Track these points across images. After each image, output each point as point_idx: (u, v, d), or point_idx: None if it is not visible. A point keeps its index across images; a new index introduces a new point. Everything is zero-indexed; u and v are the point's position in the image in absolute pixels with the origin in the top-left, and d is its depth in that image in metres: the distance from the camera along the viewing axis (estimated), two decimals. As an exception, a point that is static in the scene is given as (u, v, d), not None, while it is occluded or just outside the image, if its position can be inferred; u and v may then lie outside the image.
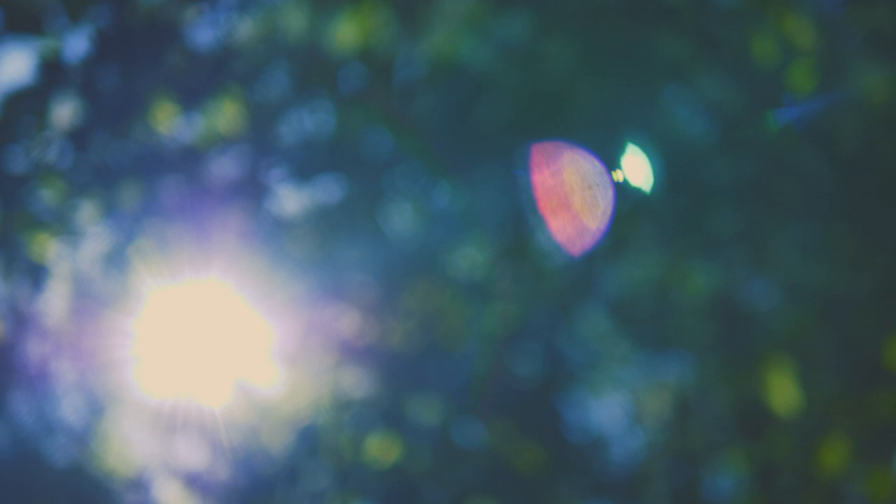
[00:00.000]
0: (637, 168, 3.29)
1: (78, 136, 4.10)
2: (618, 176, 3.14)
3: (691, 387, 5.06)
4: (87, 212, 4.35)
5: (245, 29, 4.38)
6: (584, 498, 4.92)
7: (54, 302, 4.69)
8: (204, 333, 4.81)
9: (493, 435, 4.65)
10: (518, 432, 4.67)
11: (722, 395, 5.02)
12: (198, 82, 4.08)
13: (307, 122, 4.42)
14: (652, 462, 5.07)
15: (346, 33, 4.48)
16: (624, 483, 5.03)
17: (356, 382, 4.76)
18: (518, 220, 4.52)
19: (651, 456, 5.07)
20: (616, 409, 5.16)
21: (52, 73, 3.94)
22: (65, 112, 4.09)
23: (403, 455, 4.73)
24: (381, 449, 4.74)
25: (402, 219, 4.47)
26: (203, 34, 4.16)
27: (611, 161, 3.20)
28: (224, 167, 4.27)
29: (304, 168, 4.37)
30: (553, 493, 4.71)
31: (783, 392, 4.84)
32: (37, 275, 4.53)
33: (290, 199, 4.43)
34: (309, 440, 4.77)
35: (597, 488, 4.98)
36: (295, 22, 4.56)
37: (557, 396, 4.92)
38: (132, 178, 4.21)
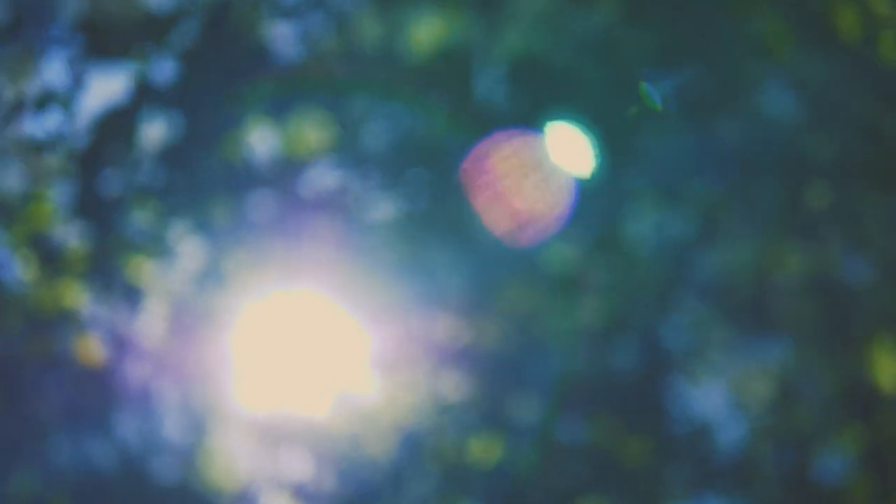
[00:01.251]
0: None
1: (169, 156, 4.14)
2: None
3: (794, 369, 4.97)
4: (180, 231, 4.40)
5: (326, 40, 4.39)
6: (693, 488, 4.86)
7: (153, 322, 4.75)
8: (302, 344, 4.84)
9: (596, 430, 4.60)
10: (621, 426, 4.63)
11: (826, 376, 4.93)
12: (284, 97, 4.10)
13: (391, 129, 4.42)
14: (758, 448, 4.99)
15: (421, 36, 4.48)
16: (731, 471, 4.96)
17: (455, 385, 4.75)
18: (608, 212, 4.48)
19: (757, 442, 4.99)
20: (719, 396, 5.09)
21: (140, 95, 3.99)
22: (155, 132, 4.13)
23: (506, 455, 4.71)
24: (483, 450, 4.72)
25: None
26: (286, 48, 4.18)
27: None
28: (314, 179, 4.29)
29: (392, 175, 4.37)
30: (661, 486, 4.66)
31: (889, 370, 4.74)
32: (134, 297, 4.59)
33: (380, 207, 4.43)
34: (411, 446, 4.77)
35: (704, 478, 4.92)
36: (371, 29, 4.56)
37: (658, 387, 4.87)
38: (224, 194, 4.24)
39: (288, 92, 4.21)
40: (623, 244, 4.50)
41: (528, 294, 4.51)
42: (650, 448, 4.62)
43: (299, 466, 4.98)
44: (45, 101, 4.46)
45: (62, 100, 4.36)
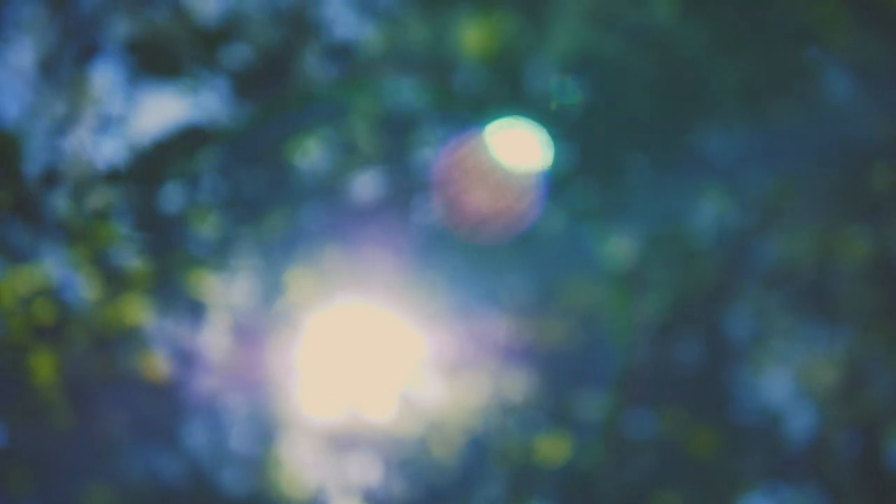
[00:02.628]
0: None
1: (226, 172, 4.17)
2: None
3: (861, 355, 4.91)
4: (241, 244, 4.43)
5: (371, 47, 4.40)
6: (764, 477, 4.82)
7: (217, 335, 4.78)
8: (365, 351, 4.85)
9: (664, 423, 4.58)
10: (689, 418, 4.60)
11: (894, 360, 4.87)
12: (335, 105, 4.11)
13: (442, 134, 4.42)
14: (828, 436, 4.94)
15: (470, 39, 4.47)
16: (802, 459, 4.91)
17: (519, 385, 4.74)
18: (666, 207, 4.45)
19: (826, 429, 4.94)
20: (785, 385, 5.04)
21: (197, 112, 4.02)
22: (212, 150, 4.16)
23: (574, 452, 4.70)
24: (550, 449, 4.71)
25: (549, 217, 4.44)
26: (336, 55, 4.19)
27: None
28: (368, 186, 4.30)
29: (444, 178, 4.37)
30: (732, 476, 4.62)
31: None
32: (197, 311, 4.62)
33: (436, 211, 4.43)
34: (478, 448, 4.76)
35: (775, 467, 4.87)
36: (418, 33, 4.56)
37: (724, 378, 4.83)
38: (282, 206, 4.26)
39: (340, 100, 4.22)
40: (683, 237, 4.47)
41: (589, 291, 4.49)
42: (719, 439, 4.59)
43: (367, 472, 4.99)
44: (103, 121, 4.50)
45: (120, 120, 4.40)
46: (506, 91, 4.42)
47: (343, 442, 4.98)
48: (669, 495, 4.54)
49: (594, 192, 4.35)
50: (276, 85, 4.27)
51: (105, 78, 4.89)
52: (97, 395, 4.59)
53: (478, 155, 4.16)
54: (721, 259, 4.63)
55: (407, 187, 4.27)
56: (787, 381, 5.09)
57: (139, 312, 4.45)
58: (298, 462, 5.11)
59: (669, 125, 4.11)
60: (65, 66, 5.18)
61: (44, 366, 4.44)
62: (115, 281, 4.38)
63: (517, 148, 4.13)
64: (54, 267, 4.54)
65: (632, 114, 4.17)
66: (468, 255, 4.49)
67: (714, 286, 4.67)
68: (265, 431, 5.05)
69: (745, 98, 4.00)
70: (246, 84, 4.24)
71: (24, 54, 5.27)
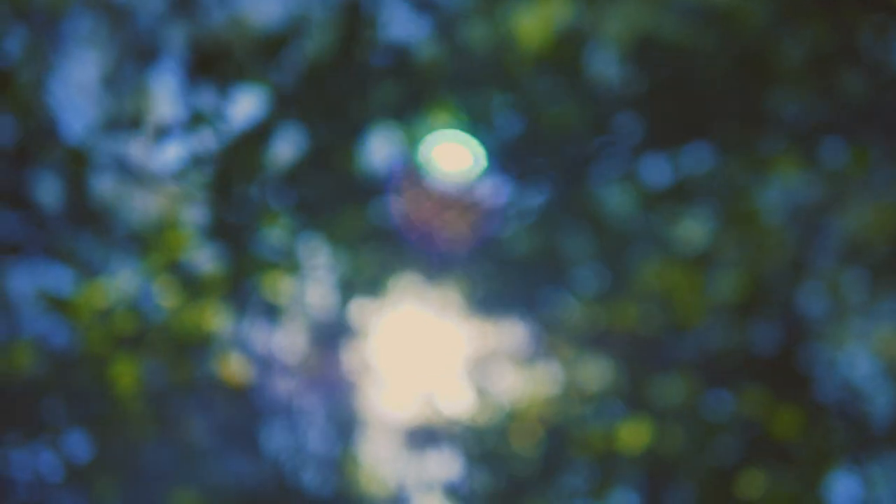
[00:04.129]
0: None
1: (296, 173, 4.18)
2: None
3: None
4: (314, 245, 4.44)
5: (439, 40, 4.39)
6: (848, 454, 4.76)
7: (293, 337, 4.81)
8: (439, 346, 4.85)
9: (745, 404, 4.54)
10: (770, 398, 4.55)
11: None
12: (405, 101, 4.11)
13: (509, 124, 4.40)
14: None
15: (529, 30, 4.45)
16: (886, 435, 4.85)
17: (597, 372, 4.72)
18: (738, 184, 4.41)
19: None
20: (866, 361, 4.98)
21: (265, 115, 4.03)
22: (282, 150, 4.17)
23: (655, 438, 4.67)
24: (631, 435, 4.68)
25: (619, 201, 4.41)
26: (401, 52, 4.19)
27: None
28: (442, 178, 4.29)
29: (519, 167, 4.36)
30: (816, 454, 4.57)
31: None
32: (273, 314, 4.65)
33: (510, 200, 4.42)
34: (558, 437, 4.75)
35: (859, 444, 4.82)
36: (477, 27, 4.55)
37: (803, 356, 4.78)
38: (354, 204, 4.27)
39: (409, 95, 4.21)
40: (756, 214, 4.42)
41: (663, 273, 4.46)
42: (802, 418, 4.54)
43: (447, 467, 5.00)
44: (169, 130, 4.54)
45: (185, 128, 4.43)
46: (567, 80, 4.40)
47: (422, 438, 4.98)
48: (755, 476, 4.50)
49: (664, 173, 4.32)
50: (337, 86, 4.28)
51: (168, 87, 4.93)
52: (178, 403, 4.63)
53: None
54: (795, 235, 4.58)
55: (484, 178, 4.26)
56: (866, 357, 5.03)
57: (216, 318, 4.48)
58: (378, 460, 5.13)
59: (738, 100, 4.07)
60: (127, 78, 5.22)
61: (125, 376, 4.48)
62: (190, 288, 4.41)
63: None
64: (129, 278, 4.58)
65: (698, 92, 4.13)
66: (543, 243, 4.48)
67: (789, 263, 4.62)
68: (344, 431, 5.07)
69: (815, 68, 3.95)
70: (307, 86, 4.25)
71: (86, 69, 5.33)
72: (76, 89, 5.20)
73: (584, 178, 4.37)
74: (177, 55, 4.94)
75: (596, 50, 4.40)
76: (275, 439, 4.99)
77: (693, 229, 4.50)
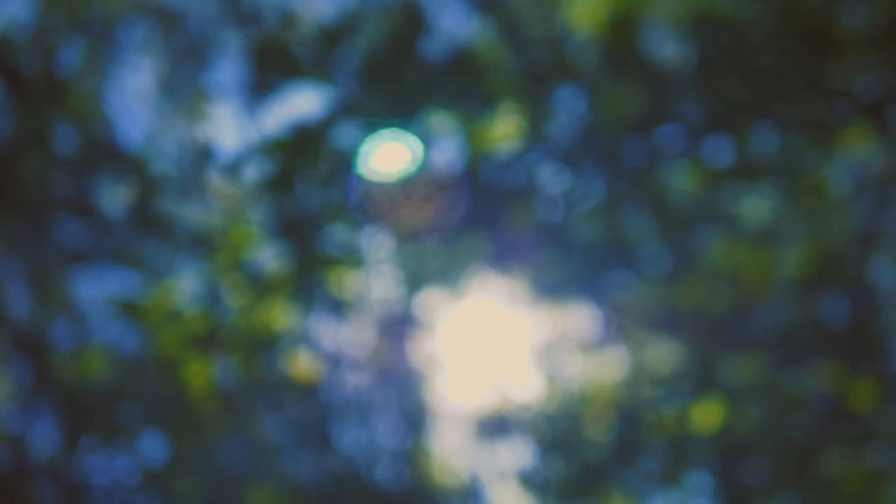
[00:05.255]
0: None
1: (357, 168, 4.19)
2: None
3: None
4: (378, 239, 4.45)
5: (483, 33, 4.38)
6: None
7: (361, 331, 4.82)
8: (507, 334, 4.85)
9: (820, 379, 4.49)
10: (845, 371, 4.50)
11: None
12: (465, 93, 4.11)
13: (567, 114, 4.38)
14: None
15: (583, 14, 4.43)
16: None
17: (667, 353, 4.69)
18: (799, 159, 4.36)
19: None
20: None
21: (325, 111, 4.05)
22: (341, 145, 4.19)
23: (728, 417, 4.63)
24: (704, 415, 4.65)
25: (682, 181, 4.38)
26: (458, 44, 4.19)
27: None
28: (504, 170, 4.29)
29: (575, 159, 4.34)
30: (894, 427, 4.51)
31: None
32: (340, 309, 4.67)
33: (572, 187, 4.40)
34: (631, 420, 4.72)
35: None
36: (530, 13, 4.53)
37: (876, 328, 4.72)
38: (417, 198, 4.27)
39: (467, 87, 4.21)
40: (822, 188, 4.37)
41: (730, 251, 4.42)
42: (878, 391, 4.48)
43: (520, 455, 4.99)
44: (229, 131, 4.56)
45: (246, 128, 4.45)
46: (625, 63, 4.37)
47: (493, 427, 4.98)
48: (834, 451, 4.45)
49: (727, 149, 4.28)
50: (394, 78, 4.28)
51: (225, 89, 4.96)
52: (250, 401, 4.66)
53: None
54: (864, 206, 4.52)
55: (545, 168, 4.25)
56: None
57: (284, 316, 4.50)
58: (450, 451, 5.13)
59: (801, 74, 4.02)
60: (184, 83, 5.27)
61: (197, 377, 4.52)
62: (258, 286, 4.44)
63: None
64: (196, 279, 4.61)
65: (759, 67, 4.09)
66: (606, 227, 4.45)
67: (858, 234, 4.56)
68: (415, 423, 5.07)
69: (878, 38, 3.89)
70: (365, 80, 4.26)
71: (143, 75, 5.37)
72: (134, 96, 5.25)
73: (647, 160, 4.34)
74: (233, 57, 4.98)
75: (652, 31, 4.37)
76: (346, 434, 5.01)
77: (759, 205, 4.46)
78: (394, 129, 4.03)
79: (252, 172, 4.37)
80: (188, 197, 4.91)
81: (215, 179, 4.68)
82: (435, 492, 5.10)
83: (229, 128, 4.80)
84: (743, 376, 4.61)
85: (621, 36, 4.34)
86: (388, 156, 4.21)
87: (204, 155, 4.81)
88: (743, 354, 4.59)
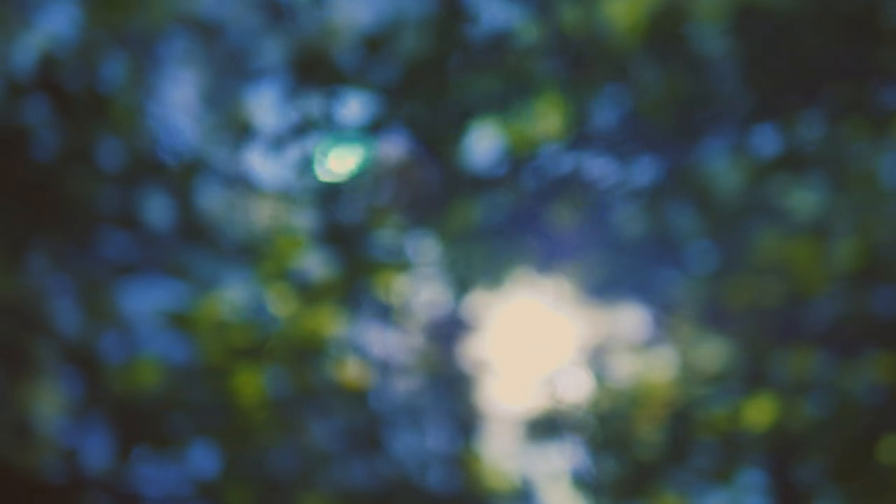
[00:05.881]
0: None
1: (402, 172, 4.19)
2: None
3: None
4: (423, 242, 4.45)
5: (523, 34, 4.37)
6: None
7: (408, 336, 4.82)
8: (555, 335, 4.83)
9: (876, 371, 4.43)
10: (899, 365, 4.44)
11: None
12: (505, 91, 4.09)
13: (611, 108, 4.36)
14: None
15: (624, 8, 4.41)
16: None
17: (718, 350, 4.66)
18: (848, 149, 4.31)
19: None
20: None
21: (367, 118, 4.05)
22: (385, 152, 4.19)
23: (781, 414, 4.58)
24: (756, 412, 4.61)
25: (729, 174, 4.35)
26: (498, 43, 4.18)
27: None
28: (547, 166, 4.27)
29: (620, 153, 4.32)
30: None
31: None
32: (388, 314, 4.66)
33: (616, 182, 4.38)
34: (682, 419, 4.69)
35: None
36: (570, 8, 4.51)
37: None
38: (460, 200, 4.27)
39: (508, 85, 4.20)
40: (871, 178, 4.32)
41: (780, 245, 4.38)
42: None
43: (572, 456, 4.96)
44: (272, 139, 4.57)
45: (291, 134, 4.46)
46: (669, 56, 4.34)
47: (543, 429, 4.96)
48: (889, 444, 4.40)
49: (774, 140, 4.25)
50: (436, 82, 4.28)
51: (268, 98, 4.98)
52: (301, 409, 4.67)
53: None
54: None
55: (589, 163, 4.23)
56: None
57: (333, 322, 4.51)
58: (501, 454, 5.12)
59: (847, 62, 3.98)
60: (227, 93, 5.29)
61: (247, 386, 4.53)
62: (305, 294, 4.45)
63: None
64: (244, 288, 4.63)
65: (804, 57, 4.05)
66: (652, 224, 4.43)
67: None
68: (465, 427, 5.06)
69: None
70: (407, 85, 4.26)
71: (186, 87, 5.41)
72: (177, 108, 5.28)
73: (693, 154, 4.31)
74: (275, 66, 5.00)
75: (696, 21, 4.35)
76: (397, 440, 5.00)
77: (807, 197, 4.42)
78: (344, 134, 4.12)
79: (298, 179, 4.38)
80: (234, 206, 4.93)
81: (261, 187, 4.70)
82: (486, 495, 5.09)
83: (275, 136, 4.81)
84: (795, 372, 4.57)
85: (665, 27, 4.31)
86: (340, 158, 4.26)
87: (249, 164, 4.83)
88: (794, 349, 4.55)
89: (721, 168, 4.33)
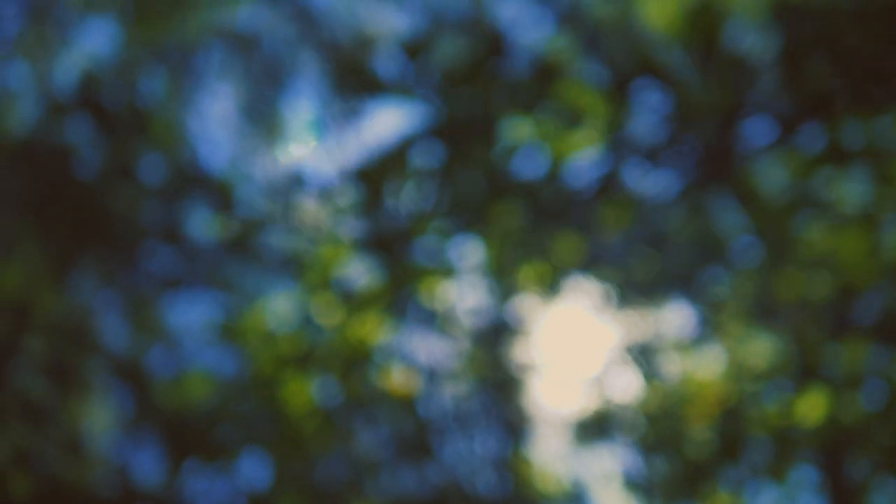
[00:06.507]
0: None
1: (443, 178, 4.19)
2: None
3: None
4: (465, 246, 4.44)
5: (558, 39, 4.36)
6: None
7: (454, 341, 4.81)
8: (602, 336, 4.80)
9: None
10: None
11: None
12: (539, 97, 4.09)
13: (651, 112, 4.33)
14: None
15: (658, 8, 4.38)
16: None
17: (768, 346, 4.62)
18: (888, 142, 4.26)
19: None
20: None
21: (409, 124, 4.06)
22: (425, 156, 4.19)
23: (833, 408, 4.54)
24: (808, 408, 4.56)
25: (773, 171, 4.31)
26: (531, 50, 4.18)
27: None
28: (585, 171, 4.26)
29: (661, 156, 4.29)
30: None
31: None
32: (433, 320, 4.66)
33: (654, 182, 4.35)
34: (733, 417, 4.65)
35: None
36: (604, 12, 4.49)
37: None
38: (500, 203, 4.26)
39: (544, 89, 4.19)
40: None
41: (828, 238, 4.33)
42: None
43: (622, 457, 4.93)
44: (311, 149, 4.59)
45: (330, 143, 4.47)
46: (704, 53, 4.32)
47: (593, 430, 4.93)
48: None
49: (818, 136, 4.21)
50: (475, 86, 4.27)
51: (306, 108, 4.99)
52: (350, 417, 4.67)
53: None
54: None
55: (628, 166, 4.21)
56: None
57: (379, 330, 4.51)
58: (551, 457, 5.09)
59: (887, 55, 3.94)
60: (265, 105, 5.31)
61: (297, 395, 4.54)
62: (351, 302, 4.45)
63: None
64: (290, 299, 4.64)
65: (845, 50, 4.01)
66: (692, 222, 4.40)
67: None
68: (514, 431, 5.05)
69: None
70: (446, 90, 4.25)
71: (223, 101, 5.42)
72: (215, 122, 5.31)
73: (734, 152, 4.28)
74: (312, 75, 5.00)
75: (733, 21, 4.32)
76: (446, 446, 4.99)
77: (853, 191, 4.37)
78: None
79: (340, 188, 4.39)
80: (275, 218, 4.94)
81: (302, 199, 4.71)
82: (537, 499, 5.06)
83: (315, 145, 4.82)
84: (846, 365, 4.52)
85: (702, 28, 4.28)
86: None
87: (289, 175, 4.84)
88: (845, 343, 4.50)
89: (765, 164, 4.29)
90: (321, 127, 4.72)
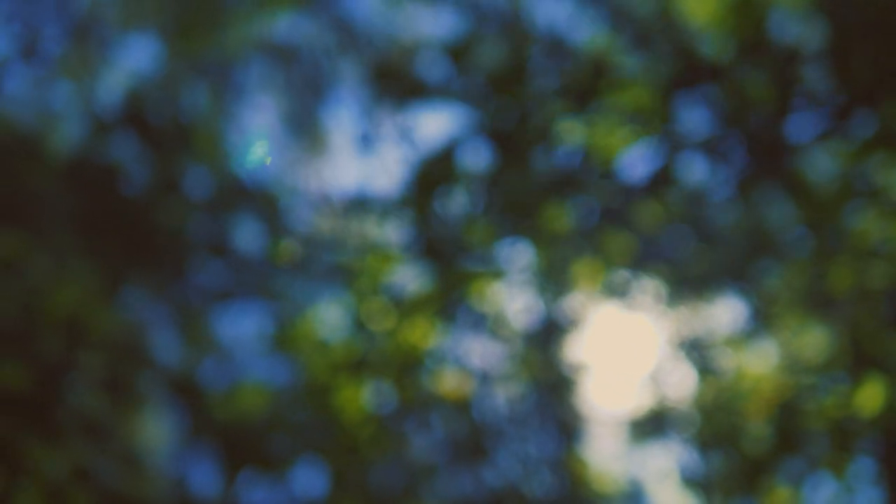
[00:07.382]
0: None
1: (491, 181, 4.18)
2: None
3: None
4: (514, 249, 4.43)
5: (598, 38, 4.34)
6: None
7: (506, 344, 4.80)
8: (655, 334, 4.78)
9: None
10: None
11: None
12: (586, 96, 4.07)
13: (698, 106, 4.31)
14: None
15: (701, 2, 4.36)
16: None
17: (823, 338, 4.58)
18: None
19: None
20: None
21: (456, 129, 4.05)
22: (474, 161, 4.18)
23: (891, 398, 4.48)
24: (866, 398, 4.51)
25: (824, 160, 4.28)
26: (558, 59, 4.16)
27: None
28: (632, 167, 4.24)
29: (710, 150, 4.27)
30: None
31: None
32: (484, 323, 4.66)
33: (704, 178, 4.33)
34: (790, 410, 4.61)
35: None
36: (646, 7, 4.47)
37: None
38: (549, 204, 4.24)
39: (586, 87, 4.17)
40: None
41: (881, 225, 4.29)
42: None
43: (678, 454, 4.91)
44: (357, 157, 4.60)
45: (376, 150, 4.48)
46: (750, 45, 4.29)
47: (648, 428, 4.91)
48: None
49: (867, 124, 4.17)
50: (519, 88, 4.26)
51: (349, 116, 5.01)
52: (405, 422, 4.67)
53: None
54: None
55: (675, 161, 4.18)
56: None
57: (430, 335, 4.51)
58: (606, 456, 5.08)
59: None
60: (307, 115, 5.33)
61: (350, 402, 4.54)
62: (402, 308, 4.45)
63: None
64: (341, 306, 4.65)
65: (890, 34, 3.97)
66: (743, 214, 4.37)
67: None
68: (568, 431, 5.03)
69: None
70: (490, 92, 4.25)
71: (264, 112, 5.46)
72: (259, 133, 5.33)
73: (784, 144, 4.25)
74: (353, 84, 5.02)
75: (776, 11, 4.28)
76: (501, 448, 4.99)
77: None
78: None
79: (388, 195, 4.39)
80: (324, 226, 4.96)
81: (348, 206, 4.72)
82: (594, 499, 5.05)
83: (361, 153, 4.83)
84: (904, 355, 4.47)
85: (746, 20, 4.25)
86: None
87: (335, 184, 4.86)
88: (902, 332, 4.45)
89: (816, 154, 4.26)
90: (366, 135, 4.73)
